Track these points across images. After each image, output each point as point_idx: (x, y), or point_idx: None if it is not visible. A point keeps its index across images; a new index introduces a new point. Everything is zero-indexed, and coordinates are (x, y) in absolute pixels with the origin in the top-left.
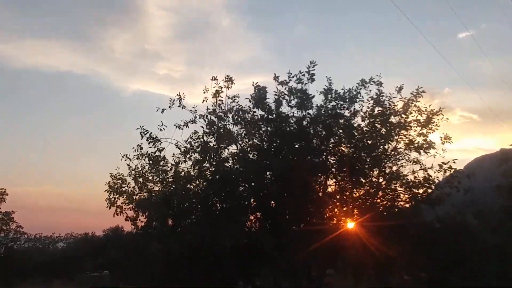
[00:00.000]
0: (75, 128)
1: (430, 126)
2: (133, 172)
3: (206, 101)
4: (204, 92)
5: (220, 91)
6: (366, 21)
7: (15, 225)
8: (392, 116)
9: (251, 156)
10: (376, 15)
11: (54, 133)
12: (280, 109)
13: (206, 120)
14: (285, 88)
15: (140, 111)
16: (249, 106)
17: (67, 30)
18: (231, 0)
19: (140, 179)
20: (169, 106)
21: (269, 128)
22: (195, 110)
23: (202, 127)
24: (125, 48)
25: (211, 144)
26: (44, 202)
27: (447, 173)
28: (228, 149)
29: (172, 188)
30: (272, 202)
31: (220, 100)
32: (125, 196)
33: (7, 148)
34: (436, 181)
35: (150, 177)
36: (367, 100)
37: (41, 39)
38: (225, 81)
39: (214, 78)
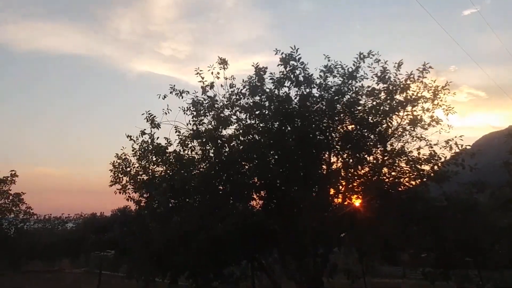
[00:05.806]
0: (84, 111)
1: (436, 101)
2: (138, 153)
3: (206, 87)
4: (201, 81)
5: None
6: None
7: (25, 206)
8: (397, 93)
9: (254, 136)
10: None
11: (62, 115)
12: (281, 90)
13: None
14: (287, 68)
15: (146, 92)
16: (246, 91)
17: (72, 11)
18: None
19: (143, 162)
20: (165, 95)
21: (271, 109)
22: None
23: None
24: (130, 29)
25: (209, 127)
26: (55, 183)
27: (453, 150)
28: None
29: (175, 170)
30: (278, 180)
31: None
32: (129, 177)
33: (16, 131)
34: (442, 158)
35: (153, 159)
36: (372, 77)
37: (45, 22)
38: (219, 64)
39: (223, 60)
